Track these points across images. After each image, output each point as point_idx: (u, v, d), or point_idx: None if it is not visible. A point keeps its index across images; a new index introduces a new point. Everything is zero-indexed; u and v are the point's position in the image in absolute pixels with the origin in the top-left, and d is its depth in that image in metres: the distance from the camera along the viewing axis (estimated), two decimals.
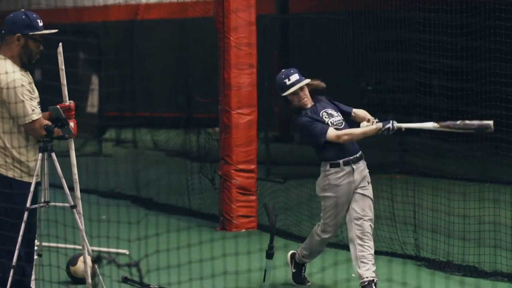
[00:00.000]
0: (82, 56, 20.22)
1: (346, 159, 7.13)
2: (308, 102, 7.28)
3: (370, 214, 7.13)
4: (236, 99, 9.93)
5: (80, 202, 6.44)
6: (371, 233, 7.07)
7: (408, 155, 14.02)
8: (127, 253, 8.23)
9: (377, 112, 16.77)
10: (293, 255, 7.66)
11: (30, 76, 6.36)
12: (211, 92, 10.44)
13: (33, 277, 6.47)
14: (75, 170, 6.46)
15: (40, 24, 6.35)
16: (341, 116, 7.30)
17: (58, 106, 6.11)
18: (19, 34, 6.24)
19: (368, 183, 7.20)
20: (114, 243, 7.55)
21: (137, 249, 7.23)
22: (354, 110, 7.44)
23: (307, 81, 7.28)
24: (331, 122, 7.21)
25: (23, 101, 6.09)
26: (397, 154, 14.79)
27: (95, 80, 20.02)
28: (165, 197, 11.85)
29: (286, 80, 7.22)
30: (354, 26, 13.51)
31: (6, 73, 6.09)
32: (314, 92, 7.42)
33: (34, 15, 6.36)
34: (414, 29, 9.28)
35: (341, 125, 7.22)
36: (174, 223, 10.21)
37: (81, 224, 6.38)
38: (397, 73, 13.38)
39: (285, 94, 7.22)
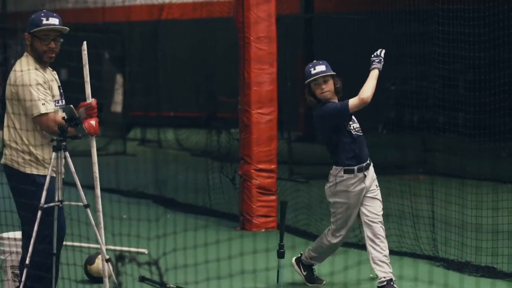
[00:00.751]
0: (106, 56, 20.34)
1: (360, 165, 7.11)
2: (330, 96, 7.17)
3: (380, 216, 7.13)
4: (256, 98, 9.89)
5: (99, 200, 6.39)
6: (383, 235, 7.06)
7: (431, 155, 13.95)
8: (146, 252, 8.26)
9: (400, 110, 16.64)
10: (297, 260, 7.64)
11: (52, 75, 6.32)
12: (236, 92, 10.40)
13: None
14: (96, 168, 6.38)
15: (46, 21, 6.18)
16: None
17: (71, 106, 6.08)
18: (26, 33, 6.26)
19: (377, 187, 7.20)
20: (134, 242, 7.58)
21: (156, 247, 7.25)
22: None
23: (331, 73, 7.22)
24: (353, 127, 7.19)
25: (32, 96, 6.04)
26: (419, 154, 14.71)
27: (119, 79, 20.12)
28: (187, 196, 11.86)
29: (312, 69, 7.21)
30: (378, 26, 13.47)
31: (21, 70, 6.11)
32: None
33: (42, 13, 6.24)
34: (435, 29, 9.27)
35: (360, 132, 7.19)
36: (193, 222, 10.21)
37: (99, 222, 6.32)
38: (420, 72, 13.34)
39: (307, 81, 7.21)
